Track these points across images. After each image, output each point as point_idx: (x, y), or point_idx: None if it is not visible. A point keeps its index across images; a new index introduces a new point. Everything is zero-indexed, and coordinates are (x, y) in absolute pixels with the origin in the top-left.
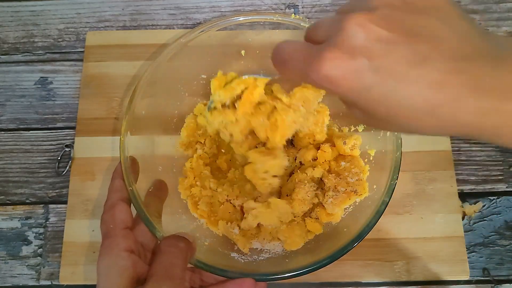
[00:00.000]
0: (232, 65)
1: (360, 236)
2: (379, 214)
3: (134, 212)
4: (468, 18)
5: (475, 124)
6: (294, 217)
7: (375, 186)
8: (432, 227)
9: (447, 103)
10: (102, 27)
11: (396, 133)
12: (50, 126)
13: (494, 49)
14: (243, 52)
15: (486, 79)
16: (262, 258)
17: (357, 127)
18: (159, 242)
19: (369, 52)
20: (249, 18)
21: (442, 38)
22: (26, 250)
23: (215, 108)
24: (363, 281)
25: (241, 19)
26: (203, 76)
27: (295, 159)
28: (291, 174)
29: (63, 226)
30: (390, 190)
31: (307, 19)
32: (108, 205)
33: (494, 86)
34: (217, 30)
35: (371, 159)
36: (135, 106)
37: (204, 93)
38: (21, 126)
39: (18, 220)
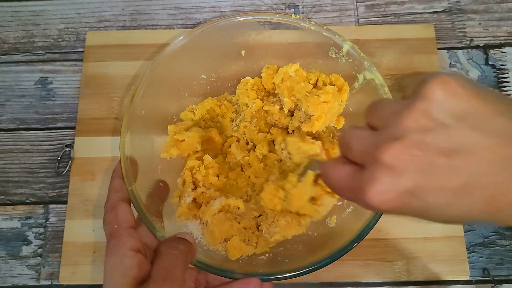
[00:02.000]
0: (232, 65)
1: (360, 237)
2: (379, 214)
3: (135, 212)
4: (502, 108)
5: None
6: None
7: None
8: (432, 227)
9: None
10: (102, 27)
11: None
12: (50, 126)
13: None
14: (243, 52)
15: None
16: (262, 258)
17: None
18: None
19: (411, 180)
20: (250, 18)
21: (480, 145)
22: (26, 250)
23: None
24: (363, 281)
25: (241, 19)
26: (203, 76)
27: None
28: None
29: (63, 226)
30: None
31: (307, 19)
32: (109, 205)
33: None
34: (217, 30)
35: None
36: (135, 106)
37: (204, 93)
38: (21, 126)
39: (18, 220)
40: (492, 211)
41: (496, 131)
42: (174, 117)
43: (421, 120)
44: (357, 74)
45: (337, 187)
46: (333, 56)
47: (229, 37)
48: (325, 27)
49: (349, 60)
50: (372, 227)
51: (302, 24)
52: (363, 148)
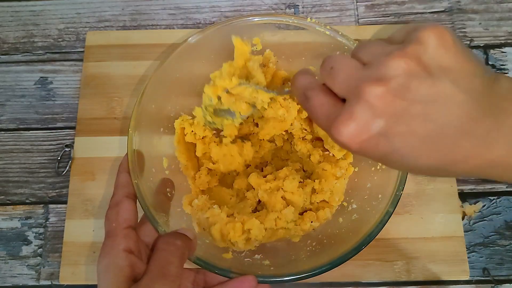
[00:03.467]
0: None
1: (362, 245)
2: (382, 224)
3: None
4: (479, 71)
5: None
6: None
7: (380, 196)
8: (432, 227)
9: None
10: (102, 27)
11: None
12: (50, 126)
13: (498, 104)
14: (254, 50)
15: (491, 134)
16: (263, 258)
17: None
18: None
19: (386, 122)
20: (265, 19)
21: (456, 101)
22: (26, 250)
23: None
24: (363, 281)
25: (256, 19)
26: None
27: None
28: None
29: (63, 226)
30: (395, 201)
31: (323, 24)
32: (113, 201)
33: (497, 137)
34: (230, 30)
35: (378, 168)
36: (145, 102)
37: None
38: (21, 126)
39: (18, 220)
40: (447, 162)
41: (471, 90)
42: (182, 113)
43: (411, 63)
44: None
45: (315, 112)
46: None
47: (241, 37)
48: (340, 33)
49: None
50: (374, 237)
51: (317, 28)
52: (347, 79)
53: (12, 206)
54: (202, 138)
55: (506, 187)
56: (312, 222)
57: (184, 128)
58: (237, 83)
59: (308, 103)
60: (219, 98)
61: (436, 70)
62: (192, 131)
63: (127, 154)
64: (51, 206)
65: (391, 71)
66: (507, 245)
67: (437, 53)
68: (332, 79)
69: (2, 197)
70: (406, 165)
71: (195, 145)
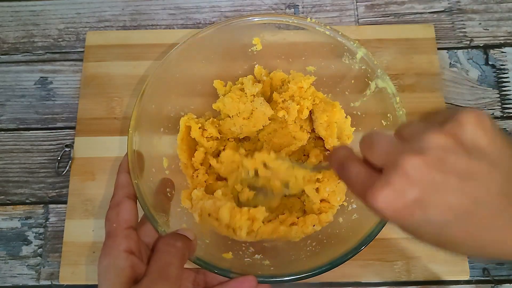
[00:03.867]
0: (244, 66)
1: (362, 245)
2: (382, 224)
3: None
4: None
5: None
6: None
7: None
8: None
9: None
10: (102, 27)
11: None
12: (50, 126)
13: None
14: (255, 52)
15: None
16: (263, 258)
17: None
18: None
19: (421, 192)
20: (265, 19)
21: (492, 180)
22: (26, 250)
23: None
24: (363, 281)
25: (256, 19)
26: (211, 76)
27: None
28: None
29: (63, 226)
30: None
31: (323, 24)
32: (113, 202)
33: None
34: (230, 30)
35: None
36: (145, 102)
37: (211, 93)
38: (21, 126)
39: (18, 220)
40: (477, 244)
41: (507, 172)
42: (182, 113)
43: (448, 140)
44: (369, 82)
45: (351, 180)
46: (347, 62)
47: (242, 37)
48: (340, 33)
49: (362, 67)
50: (374, 236)
51: (317, 28)
52: (386, 151)
53: (12, 206)
54: (210, 137)
55: None
56: (314, 226)
57: (189, 126)
58: (274, 157)
59: (345, 171)
60: (256, 172)
61: (474, 149)
62: (200, 127)
63: (127, 154)
64: (51, 206)
65: (428, 145)
66: None
67: (475, 134)
68: (371, 151)
69: (2, 197)
70: (440, 240)
71: (196, 144)
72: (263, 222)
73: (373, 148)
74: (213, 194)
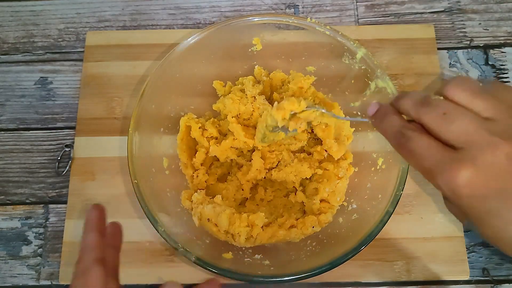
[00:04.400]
0: (244, 65)
1: (362, 245)
2: (382, 224)
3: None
4: None
5: None
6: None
7: (380, 196)
8: (432, 227)
9: None
10: (102, 27)
11: None
12: (50, 126)
13: None
14: (255, 52)
15: None
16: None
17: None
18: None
19: (507, 181)
20: (265, 19)
21: None
22: (26, 250)
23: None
24: (363, 281)
25: (256, 19)
26: (211, 75)
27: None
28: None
29: (63, 226)
30: (395, 201)
31: (323, 24)
32: (80, 268)
33: None
34: (229, 30)
35: (378, 168)
36: (145, 102)
37: (211, 93)
38: (21, 126)
39: (18, 220)
40: None
41: None
42: (182, 113)
43: None
44: (369, 82)
45: (420, 153)
46: (347, 62)
47: (242, 37)
48: (340, 33)
49: (362, 67)
50: (374, 237)
51: (317, 28)
52: (467, 129)
53: (12, 206)
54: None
55: None
56: (313, 227)
57: (189, 126)
58: (304, 107)
59: (410, 143)
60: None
61: None
62: (200, 127)
63: (92, 207)
64: (51, 206)
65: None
66: None
67: None
68: (446, 125)
69: (2, 197)
70: (507, 238)
71: (196, 144)
72: (262, 228)
73: (448, 121)
74: (213, 197)
